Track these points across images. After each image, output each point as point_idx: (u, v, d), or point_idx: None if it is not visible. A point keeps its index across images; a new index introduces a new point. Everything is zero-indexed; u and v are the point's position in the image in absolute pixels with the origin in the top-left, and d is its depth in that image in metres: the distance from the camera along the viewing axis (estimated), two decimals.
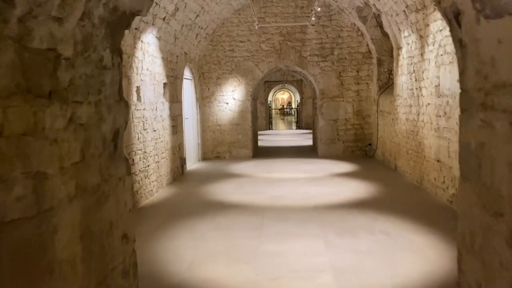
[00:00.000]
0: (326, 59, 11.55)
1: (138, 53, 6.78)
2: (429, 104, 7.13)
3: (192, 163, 10.84)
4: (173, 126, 8.76)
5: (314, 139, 13.42)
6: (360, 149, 11.63)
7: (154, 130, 7.51)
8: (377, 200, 6.71)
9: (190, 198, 7.20)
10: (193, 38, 10.06)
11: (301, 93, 23.13)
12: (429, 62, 7.08)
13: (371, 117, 11.52)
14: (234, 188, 7.84)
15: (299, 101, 25.01)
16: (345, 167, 9.92)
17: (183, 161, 9.45)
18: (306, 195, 7.08)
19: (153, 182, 7.36)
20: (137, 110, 6.69)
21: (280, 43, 11.59)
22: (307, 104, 23.09)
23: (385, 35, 10.69)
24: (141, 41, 6.91)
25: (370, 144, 11.46)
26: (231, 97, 11.74)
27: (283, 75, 22.48)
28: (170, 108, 8.57)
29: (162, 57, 8.05)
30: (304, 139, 17.47)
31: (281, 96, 46.57)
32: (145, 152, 7.00)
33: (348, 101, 11.58)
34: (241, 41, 11.60)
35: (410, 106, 8.12)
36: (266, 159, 11.56)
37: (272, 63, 11.62)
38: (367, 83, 11.51)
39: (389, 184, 7.87)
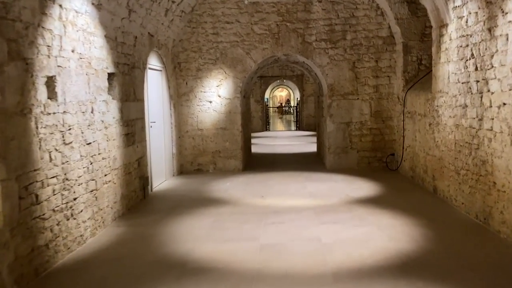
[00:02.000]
0: (337, 46, 9.04)
1: (52, 24, 4.26)
2: (504, 104, 4.64)
3: (164, 180, 8.34)
4: (127, 134, 6.24)
5: (320, 146, 10.91)
6: (379, 160, 9.14)
7: (88, 143, 5.00)
8: (428, 256, 4.23)
9: (138, 250, 4.69)
10: (162, 15, 7.53)
11: (302, 90, 20.64)
12: (507, 40, 4.58)
13: (394, 120, 9.02)
14: (209, 228, 5.34)
15: (299, 99, 22.52)
16: (364, 187, 7.43)
17: (145, 181, 6.94)
18: (318, 246, 4.57)
19: (84, 223, 4.85)
20: (48, 114, 4.17)
21: (277, 25, 9.07)
22: (308, 103, 20.60)
23: (414, 13, 8.20)
24: (60, 5, 4.39)
25: (393, 154, 8.96)
26: (216, 94, 9.23)
27: (281, 69, 19.98)
28: (122, 110, 6.06)
29: (106, 36, 5.53)
30: (306, 143, 14.96)
31: (280, 94, 44.19)
32: (67, 179, 4.48)
33: (364, 99, 9.09)
34: (227, 22, 9.07)
35: (464, 106, 5.63)
36: (260, 173, 9.06)
37: (268, 50, 9.11)
38: (388, 76, 9.01)
39: (436, 220, 5.39)
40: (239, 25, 9.06)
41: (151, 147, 7.50)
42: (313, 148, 12.99)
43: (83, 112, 4.89)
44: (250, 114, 11.97)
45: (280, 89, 40.20)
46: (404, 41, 8.35)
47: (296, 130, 21.68)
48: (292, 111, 36.37)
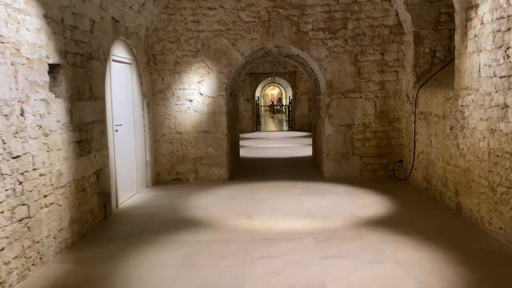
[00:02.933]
0: (336, 36, 7.83)
1: None
2: None
3: (134, 193, 7.08)
4: (79, 142, 4.97)
5: (316, 151, 9.71)
6: (385, 167, 7.96)
7: (15, 157, 3.73)
8: None
9: None
10: None
11: (295, 88, 19.44)
12: None
13: (402, 121, 7.85)
14: (179, 265, 4.09)
15: (291, 97, 21.32)
16: (372, 202, 6.24)
17: (106, 198, 5.67)
18: None
19: (8, 265, 3.58)
20: None
21: (268, 12, 7.83)
22: (302, 101, 19.41)
23: None
24: None
25: (401, 161, 7.78)
26: (197, 92, 7.98)
27: (272, 66, 18.75)
28: (71, 111, 4.78)
29: (45, 16, 4.25)
30: (300, 145, 13.76)
31: (271, 92, 43.00)
32: None
33: (368, 98, 7.89)
34: (210, 8, 7.82)
35: (504, 107, 4.44)
36: (249, 183, 7.83)
37: (257, 41, 7.87)
38: (396, 71, 7.83)
39: (470, 252, 4.20)
40: (223, 12, 7.81)
41: (116, 155, 6.23)
42: (308, 151, 11.79)
43: (6, 116, 3.61)
44: (239, 114, 10.72)
45: (272, 87, 38.98)
46: (415, 30, 7.17)
47: (289, 130, 20.48)
48: (284, 110, 35.17)
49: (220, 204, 6.42)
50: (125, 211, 6.15)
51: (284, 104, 34.40)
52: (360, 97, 7.89)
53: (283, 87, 32.09)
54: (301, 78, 19.16)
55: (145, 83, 7.60)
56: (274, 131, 20.94)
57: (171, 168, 8.08)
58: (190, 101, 7.98)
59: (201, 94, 7.97)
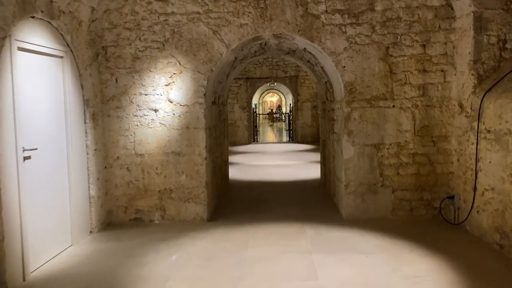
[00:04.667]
0: (360, 21, 5.60)
1: None
2: None
3: (65, 247, 4.81)
4: None
5: (328, 175, 7.41)
6: (427, 205, 5.69)
7: None
8: None
9: None
10: None
11: (296, 95, 17.18)
12: None
13: (452, 140, 5.59)
14: None
15: (292, 105, 19.08)
16: (425, 273, 3.95)
17: None
18: None
19: None
20: None
21: None
22: (304, 110, 17.15)
23: None
24: None
25: (452, 197, 5.50)
26: (164, 98, 5.72)
27: (271, 69, 16.58)
28: None
29: None
30: (303, 162, 11.47)
31: (270, 99, 40.86)
32: None
33: (404, 107, 5.64)
34: None
35: None
36: (235, 228, 5.55)
37: (248, 27, 5.62)
38: (442, 71, 5.58)
39: None
40: None
41: (21, 197, 3.94)
42: (314, 171, 9.51)
43: None
44: (227, 126, 8.45)
45: (271, 94, 36.83)
46: (476, 10, 4.95)
47: (290, 142, 18.20)
48: (284, 118, 32.97)
49: (187, 272, 4.14)
50: (33, 285, 3.86)
51: (284, 112, 32.19)
52: (393, 106, 5.64)
53: (283, 93, 29.89)
54: (304, 84, 16.94)
55: (88, 85, 5.34)
56: (273, 142, 18.65)
57: (128, 204, 5.80)
58: (155, 111, 5.72)
59: (171, 102, 5.71)
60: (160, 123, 5.73)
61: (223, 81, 7.10)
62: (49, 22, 4.53)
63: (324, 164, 7.84)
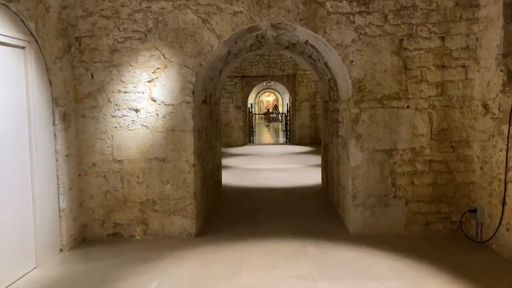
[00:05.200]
0: (370, 9, 4.91)
1: None
2: None
3: (28, 270, 4.10)
4: None
5: (330, 182, 6.72)
6: (445, 219, 5.02)
7: None
8: None
9: None
10: None
11: (294, 94, 16.48)
12: None
13: (474, 146, 4.91)
14: None
15: (289, 105, 18.40)
16: None
17: None
18: None
19: None
20: None
21: None
22: (302, 110, 16.47)
23: None
24: None
25: (475, 211, 4.82)
26: (147, 97, 5.01)
27: (268, 68, 15.87)
28: None
29: None
30: (302, 166, 10.78)
31: (267, 99, 40.19)
32: None
33: (420, 108, 4.95)
34: None
35: None
36: (227, 245, 4.85)
37: (243, 16, 4.92)
38: (464, 66, 4.90)
39: None
40: None
41: None
42: (314, 176, 8.82)
43: None
44: (219, 129, 7.73)
45: (267, 93, 36.16)
46: None
47: (287, 143, 17.50)
48: (280, 118, 32.30)
49: None
50: None
51: (280, 112, 31.51)
52: (407, 106, 4.96)
53: (279, 93, 29.21)
54: (302, 82, 16.26)
55: (58, 81, 4.62)
56: (270, 144, 17.94)
57: (105, 217, 5.09)
58: (136, 111, 5.01)
59: (154, 101, 5.00)
60: (142, 125, 5.02)
61: (215, 78, 6.39)
62: (5, 6, 3.81)
63: (326, 169, 7.15)
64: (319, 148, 14.35)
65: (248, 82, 16.34)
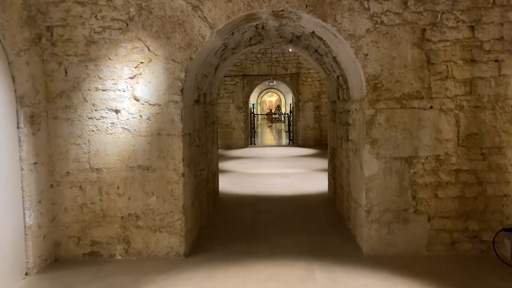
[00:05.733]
0: None
1: None
2: None
3: None
4: None
5: (340, 194, 6.02)
6: (473, 237, 4.33)
7: None
8: None
9: None
10: None
11: (297, 94, 15.79)
12: None
13: (509, 153, 4.22)
14: None
15: (293, 105, 17.71)
16: None
17: None
18: None
19: None
20: None
21: None
22: (306, 110, 15.77)
23: None
24: None
25: (509, 229, 4.12)
26: (128, 96, 4.34)
27: (270, 66, 15.20)
28: None
29: None
30: (307, 170, 10.08)
31: (269, 99, 39.51)
32: None
33: (445, 109, 4.26)
34: None
35: None
36: (221, 268, 4.17)
37: (240, 1, 4.23)
38: (497, 60, 4.21)
39: None
40: None
41: None
42: (319, 183, 8.13)
43: None
44: (216, 132, 7.04)
45: (270, 93, 35.48)
46: None
47: (290, 145, 16.80)
48: (283, 119, 31.60)
49: None
50: None
51: (283, 113, 30.82)
52: (430, 107, 4.27)
53: (282, 93, 28.53)
54: (306, 82, 15.56)
55: (23, 77, 3.96)
56: (272, 146, 17.25)
57: (82, 233, 4.42)
58: (117, 112, 4.34)
59: (137, 100, 4.33)
60: (123, 128, 4.35)
61: (210, 75, 5.72)
62: None
63: (334, 177, 6.47)
64: (324, 151, 13.68)
65: (249, 81, 15.65)
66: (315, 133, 15.72)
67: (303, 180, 8.83)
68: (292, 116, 17.66)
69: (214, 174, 6.66)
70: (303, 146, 15.61)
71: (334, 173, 6.48)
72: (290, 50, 14.94)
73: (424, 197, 4.32)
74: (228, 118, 15.59)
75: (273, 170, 10.37)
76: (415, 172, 4.31)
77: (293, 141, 16.97)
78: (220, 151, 14.14)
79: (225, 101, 15.52)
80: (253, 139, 17.81)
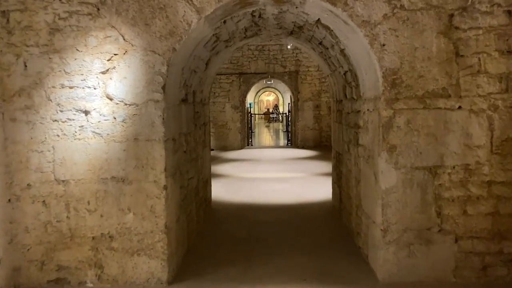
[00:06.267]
0: None
1: None
2: None
3: None
4: None
5: (347, 205, 5.34)
6: (509, 261, 3.66)
7: None
8: None
9: None
10: None
11: (296, 93, 15.11)
12: None
13: None
14: None
15: (291, 104, 17.04)
16: None
17: None
18: None
19: None
20: None
21: None
22: (305, 110, 15.10)
23: None
24: None
25: None
26: (100, 93, 3.65)
27: (268, 64, 14.54)
28: None
29: None
30: (307, 175, 9.41)
31: (267, 98, 38.86)
32: None
33: (476, 110, 3.59)
34: None
35: None
36: None
37: None
38: None
39: None
40: None
41: None
42: (322, 189, 7.45)
43: None
44: (207, 135, 6.33)
45: (267, 92, 34.82)
46: None
47: (288, 146, 16.13)
48: (281, 119, 30.95)
49: None
50: None
51: (281, 112, 30.15)
52: (459, 107, 3.60)
53: (280, 92, 27.85)
54: (305, 80, 14.90)
55: None
56: (270, 147, 16.56)
57: (46, 257, 3.74)
58: (86, 113, 3.65)
59: (110, 99, 3.64)
60: (94, 132, 3.66)
61: (200, 70, 5.03)
62: None
63: (339, 185, 5.79)
64: (325, 152, 13.03)
65: (246, 79, 14.96)
66: (315, 134, 15.07)
67: (304, 185, 8.16)
68: (291, 116, 17.00)
69: (205, 182, 5.97)
70: (302, 147, 14.94)
71: (339, 181, 5.81)
72: (289, 47, 14.29)
73: (451, 214, 3.65)
74: (223, 118, 14.91)
75: (271, 174, 9.69)
76: (440, 184, 3.64)
77: (292, 142, 16.31)
78: (215, 153, 13.47)
79: (220, 100, 14.84)
80: (250, 140, 17.12)
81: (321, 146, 14.77)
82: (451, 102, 3.59)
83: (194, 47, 4.10)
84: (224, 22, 4.20)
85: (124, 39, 3.59)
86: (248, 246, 4.74)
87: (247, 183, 8.51)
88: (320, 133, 15.04)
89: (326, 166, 10.22)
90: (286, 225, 5.54)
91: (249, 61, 14.66)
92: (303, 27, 4.74)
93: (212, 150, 14.26)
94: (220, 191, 7.50)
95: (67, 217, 3.71)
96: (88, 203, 3.70)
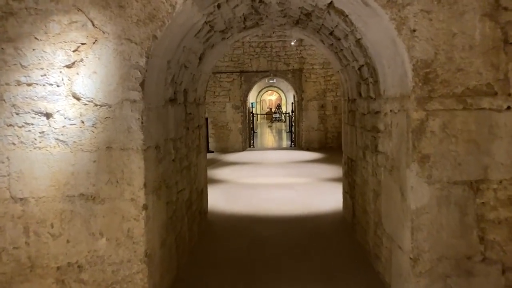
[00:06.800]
0: None
1: None
2: None
3: None
4: None
5: (362, 220, 4.65)
6: None
7: None
8: None
9: None
10: None
11: (300, 92, 14.40)
12: None
13: None
14: None
15: (295, 104, 16.33)
16: None
17: None
18: None
19: None
20: None
21: None
22: (310, 110, 14.39)
23: None
24: None
25: None
26: (65, 92, 2.97)
27: (270, 62, 13.85)
28: None
29: None
30: (313, 179, 8.70)
31: (269, 98, 38.23)
32: None
33: None
34: None
35: None
36: None
37: None
38: None
39: None
40: None
41: None
42: (330, 197, 6.76)
43: None
44: (202, 139, 5.64)
45: (270, 92, 34.17)
46: None
47: (292, 147, 15.43)
48: (283, 118, 30.27)
49: None
50: None
51: (284, 112, 29.46)
52: (507, 108, 2.91)
53: (283, 91, 27.14)
54: (309, 78, 14.20)
55: None
56: (273, 149, 15.86)
57: None
58: (48, 116, 2.98)
59: (77, 99, 2.97)
60: (57, 139, 2.99)
61: (192, 65, 4.35)
62: None
63: (352, 196, 5.10)
64: (330, 155, 12.34)
65: (247, 78, 14.26)
66: (320, 135, 14.37)
67: (310, 192, 7.46)
68: (294, 116, 16.29)
69: (200, 192, 5.29)
70: (307, 149, 14.24)
71: (352, 191, 5.12)
72: (292, 43, 13.61)
73: (497, 239, 2.97)
74: (224, 118, 14.23)
75: (274, 179, 9.00)
76: (483, 202, 2.95)
77: (295, 143, 15.60)
78: (215, 155, 12.80)
79: (220, 100, 14.16)
80: (252, 141, 16.43)
81: (326, 148, 14.07)
82: (498, 101, 2.90)
83: (182, 36, 3.42)
84: (218, 6, 3.52)
85: (93, 25, 2.92)
86: (248, 269, 4.06)
87: (248, 190, 7.82)
88: (326, 134, 14.34)
89: (333, 170, 9.53)
90: (292, 242, 4.86)
91: (250, 59, 13.97)
92: (311, 13, 4.06)
93: (212, 152, 13.58)
94: (218, 200, 6.82)
95: (26, 243, 3.04)
96: (52, 226, 3.03)
